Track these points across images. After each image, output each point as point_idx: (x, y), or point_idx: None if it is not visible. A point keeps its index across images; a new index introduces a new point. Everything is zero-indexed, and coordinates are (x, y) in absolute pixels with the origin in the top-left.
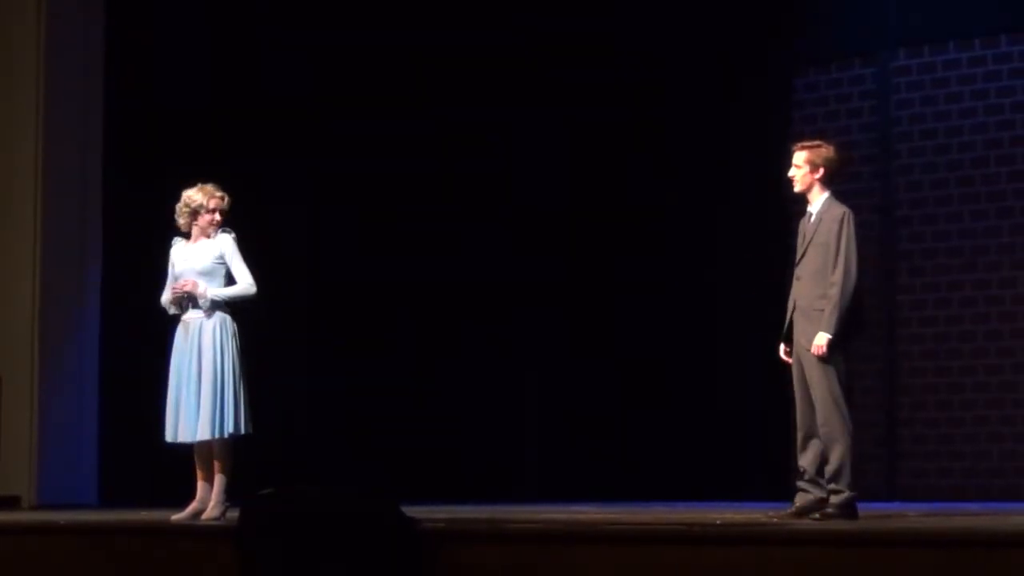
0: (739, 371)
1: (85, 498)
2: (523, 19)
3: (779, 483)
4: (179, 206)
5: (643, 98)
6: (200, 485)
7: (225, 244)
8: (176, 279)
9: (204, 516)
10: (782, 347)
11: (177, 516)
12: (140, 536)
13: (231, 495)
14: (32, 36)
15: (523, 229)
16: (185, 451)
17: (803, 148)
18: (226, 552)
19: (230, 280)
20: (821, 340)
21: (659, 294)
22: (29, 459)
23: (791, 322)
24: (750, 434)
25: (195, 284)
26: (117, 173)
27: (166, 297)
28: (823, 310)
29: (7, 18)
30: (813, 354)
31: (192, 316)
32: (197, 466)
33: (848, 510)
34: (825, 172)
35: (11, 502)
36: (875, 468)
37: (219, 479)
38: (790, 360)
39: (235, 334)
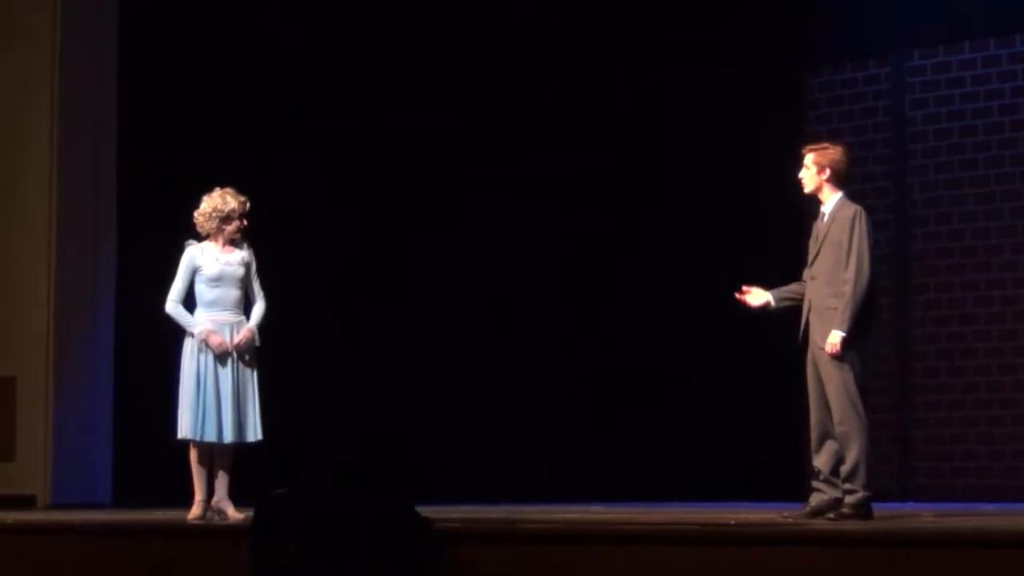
0: (747, 370)
1: (99, 498)
2: (522, 16)
3: (790, 483)
4: (206, 212)
5: (646, 98)
6: (202, 488)
7: (252, 257)
8: (210, 282)
9: (231, 515)
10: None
11: (192, 515)
12: (154, 536)
13: (238, 495)
14: (47, 34)
15: (525, 229)
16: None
17: (811, 150)
18: (240, 552)
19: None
20: (835, 339)
21: (666, 294)
22: (44, 459)
23: (807, 323)
24: (761, 434)
25: (250, 332)
26: (131, 173)
27: (199, 328)
28: (837, 308)
29: (23, 15)
30: (828, 353)
31: (226, 320)
32: (203, 466)
33: (863, 510)
34: (832, 173)
35: (26, 502)
36: (889, 468)
37: (227, 479)
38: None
39: None
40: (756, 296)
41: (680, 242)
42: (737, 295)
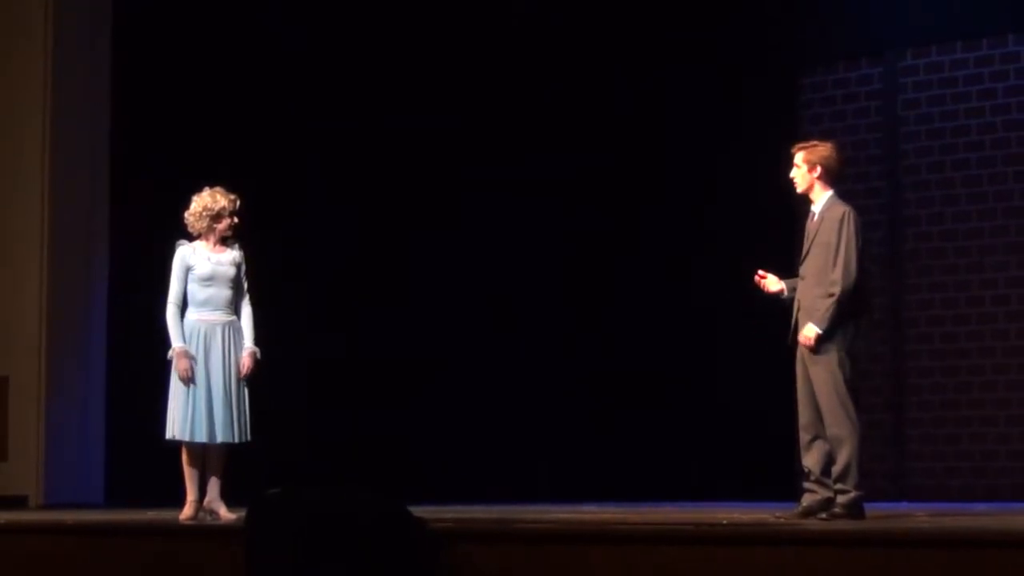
0: (744, 370)
1: (91, 498)
2: (522, 16)
3: (789, 483)
4: (196, 211)
5: (646, 98)
6: (194, 488)
7: (243, 258)
8: (202, 281)
9: (224, 516)
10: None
11: (185, 516)
12: (146, 536)
13: (235, 495)
14: (39, 35)
15: (525, 229)
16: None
17: (800, 149)
18: (233, 552)
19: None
20: (810, 332)
21: (664, 294)
22: (36, 459)
23: (796, 323)
24: (756, 434)
25: (252, 357)
26: (125, 173)
27: (175, 346)
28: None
29: (16, 17)
30: (802, 344)
31: (218, 319)
32: (195, 467)
33: (855, 510)
34: (823, 170)
35: (18, 502)
36: (882, 468)
37: (219, 480)
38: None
39: None
40: (772, 282)
41: (680, 242)
42: (756, 277)
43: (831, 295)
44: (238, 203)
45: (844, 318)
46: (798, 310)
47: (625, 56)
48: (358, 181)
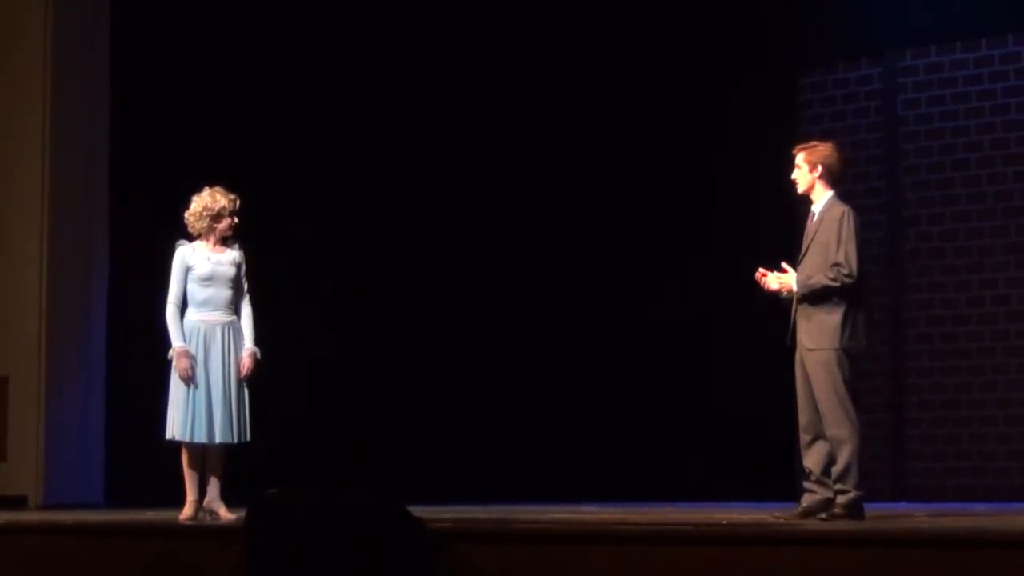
0: (744, 370)
1: (91, 498)
2: (522, 16)
3: (789, 483)
4: (196, 211)
5: (646, 98)
6: (194, 488)
7: (243, 258)
8: (201, 281)
9: (223, 516)
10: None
11: (184, 516)
12: (146, 536)
13: (235, 495)
14: (39, 35)
15: (525, 229)
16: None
17: (801, 149)
18: (232, 552)
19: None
20: (789, 280)
21: (664, 294)
22: (36, 459)
23: (795, 323)
24: (756, 434)
25: (252, 358)
26: (125, 173)
27: (175, 346)
28: (822, 309)
29: (15, 18)
30: (768, 284)
31: (218, 320)
32: (195, 467)
33: (855, 510)
34: (824, 170)
35: (18, 502)
36: (882, 468)
37: (219, 480)
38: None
39: None
40: (773, 280)
41: (680, 242)
42: (757, 274)
43: (830, 278)
44: (238, 203)
45: (821, 295)
46: (795, 311)
47: (625, 56)
48: (358, 181)
